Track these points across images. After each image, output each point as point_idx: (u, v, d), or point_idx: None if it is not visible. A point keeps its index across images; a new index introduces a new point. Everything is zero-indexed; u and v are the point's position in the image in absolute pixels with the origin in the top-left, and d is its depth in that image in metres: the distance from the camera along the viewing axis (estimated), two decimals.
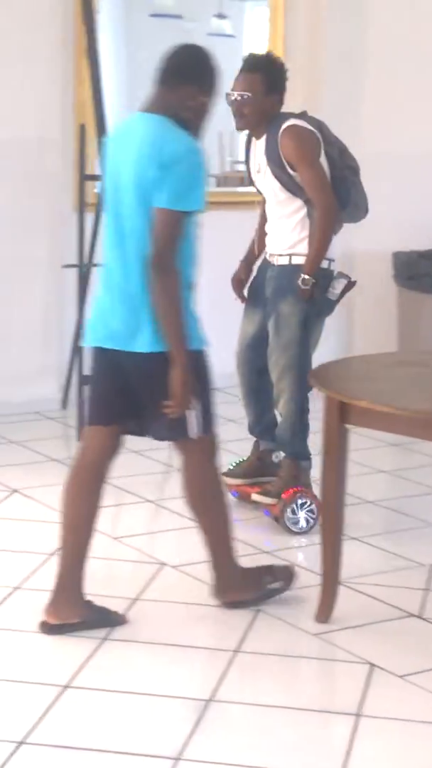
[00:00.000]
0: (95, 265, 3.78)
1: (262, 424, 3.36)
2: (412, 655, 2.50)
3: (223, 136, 5.70)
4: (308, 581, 2.85)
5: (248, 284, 3.31)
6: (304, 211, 3.10)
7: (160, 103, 2.32)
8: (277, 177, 3.08)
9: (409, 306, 4.94)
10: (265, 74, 3.10)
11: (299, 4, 4.83)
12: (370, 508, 3.62)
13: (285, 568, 2.73)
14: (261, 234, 3.29)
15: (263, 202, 3.26)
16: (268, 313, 3.17)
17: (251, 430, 3.40)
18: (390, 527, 3.50)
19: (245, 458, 3.40)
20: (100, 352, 2.46)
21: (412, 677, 2.38)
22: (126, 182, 2.28)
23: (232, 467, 3.35)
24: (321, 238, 3.07)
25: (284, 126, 3.06)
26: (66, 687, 2.30)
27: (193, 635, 2.60)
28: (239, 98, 3.06)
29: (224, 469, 3.09)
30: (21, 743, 2.02)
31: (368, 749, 2.11)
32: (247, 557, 2.92)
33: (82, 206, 4.20)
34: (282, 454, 3.30)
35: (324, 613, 2.58)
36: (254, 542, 3.03)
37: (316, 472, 3.28)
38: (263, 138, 3.13)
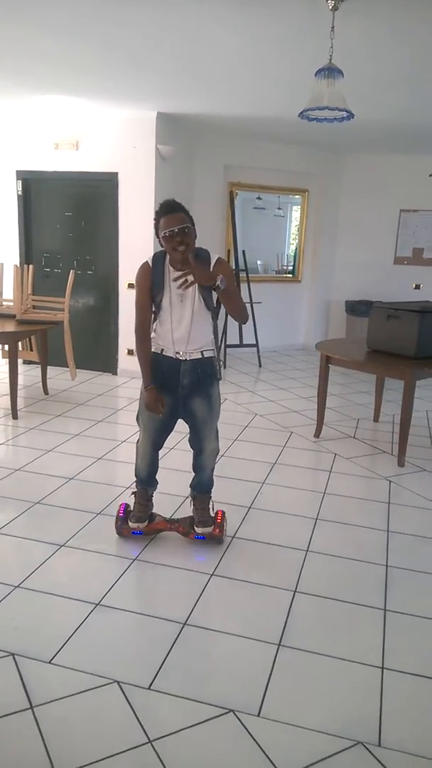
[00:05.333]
0: None
1: (155, 477, 3.32)
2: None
3: (279, 255, 8.83)
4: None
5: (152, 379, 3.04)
6: (211, 321, 3.01)
7: None
8: (203, 297, 2.92)
9: (351, 322, 7.93)
10: (186, 212, 2.87)
11: (313, 208, 7.96)
12: (336, 399, 5.60)
13: None
14: (149, 344, 3.03)
15: (148, 320, 3.00)
16: (191, 394, 3.03)
17: (149, 482, 3.29)
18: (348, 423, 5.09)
19: (139, 505, 3.26)
20: None
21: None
22: None
23: (136, 515, 3.24)
24: (239, 297, 2.92)
25: (216, 257, 2.94)
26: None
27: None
28: (184, 229, 2.78)
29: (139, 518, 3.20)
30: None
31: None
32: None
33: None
34: (194, 491, 3.30)
35: (317, 433, 4.69)
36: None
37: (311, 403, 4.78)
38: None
